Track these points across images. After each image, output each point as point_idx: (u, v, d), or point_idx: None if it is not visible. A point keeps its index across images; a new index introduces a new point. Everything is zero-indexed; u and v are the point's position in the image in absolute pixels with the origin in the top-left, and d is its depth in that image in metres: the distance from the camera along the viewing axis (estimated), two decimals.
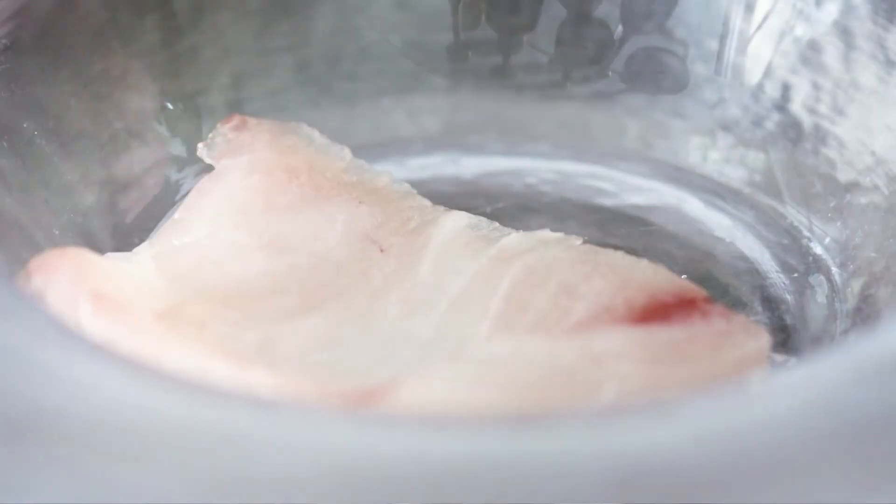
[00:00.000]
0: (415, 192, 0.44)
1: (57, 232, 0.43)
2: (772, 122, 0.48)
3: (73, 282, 0.38)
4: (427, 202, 0.44)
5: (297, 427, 0.31)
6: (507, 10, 0.51)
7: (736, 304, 0.37)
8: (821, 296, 0.44)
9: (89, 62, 0.46)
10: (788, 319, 0.44)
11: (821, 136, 0.47)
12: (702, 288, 0.39)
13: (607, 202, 0.48)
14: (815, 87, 0.47)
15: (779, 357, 0.41)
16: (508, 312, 0.38)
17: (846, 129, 0.46)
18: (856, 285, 0.43)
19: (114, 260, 0.41)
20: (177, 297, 0.40)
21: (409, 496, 0.29)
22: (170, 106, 0.48)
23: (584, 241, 0.41)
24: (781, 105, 0.48)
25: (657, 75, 0.50)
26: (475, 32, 0.51)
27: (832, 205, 0.46)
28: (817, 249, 0.46)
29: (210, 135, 0.44)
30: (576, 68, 0.48)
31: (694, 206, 0.48)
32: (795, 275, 0.46)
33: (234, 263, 0.41)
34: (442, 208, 0.44)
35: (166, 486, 0.30)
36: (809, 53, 0.47)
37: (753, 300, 0.45)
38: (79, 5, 0.47)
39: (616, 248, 0.41)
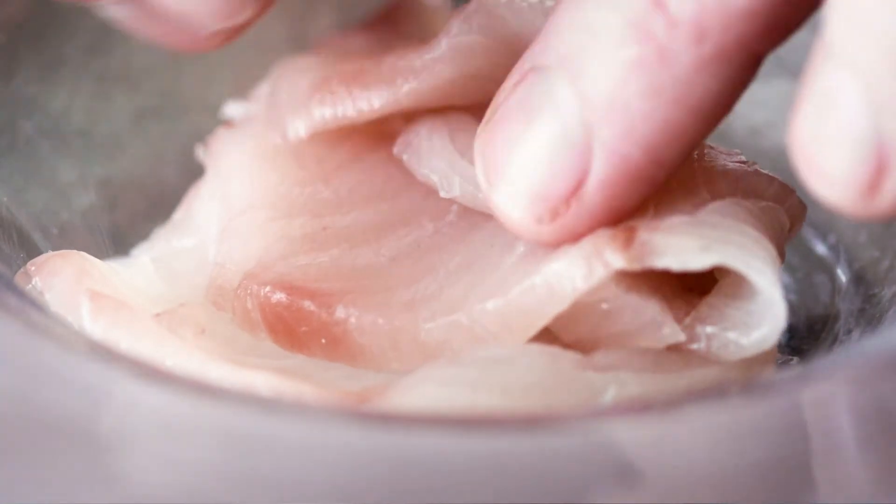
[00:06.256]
0: None
1: (56, 232, 0.43)
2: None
3: (72, 283, 0.38)
4: None
5: (297, 427, 0.31)
6: None
7: None
8: (824, 296, 0.44)
9: (89, 62, 0.47)
10: (791, 320, 0.44)
11: None
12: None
13: None
14: None
15: (782, 357, 0.41)
16: None
17: None
18: (860, 285, 0.43)
19: (113, 264, 0.41)
20: (175, 298, 0.40)
21: (409, 496, 0.29)
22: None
23: None
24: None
25: None
26: None
27: None
28: (820, 249, 0.46)
29: (208, 139, 0.44)
30: None
31: None
32: (798, 274, 0.46)
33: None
34: None
35: (166, 485, 0.30)
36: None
37: None
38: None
39: None
